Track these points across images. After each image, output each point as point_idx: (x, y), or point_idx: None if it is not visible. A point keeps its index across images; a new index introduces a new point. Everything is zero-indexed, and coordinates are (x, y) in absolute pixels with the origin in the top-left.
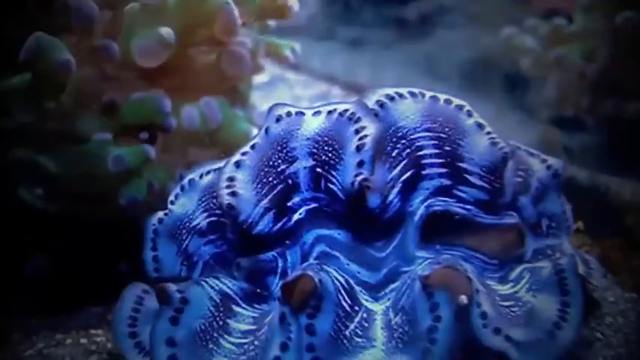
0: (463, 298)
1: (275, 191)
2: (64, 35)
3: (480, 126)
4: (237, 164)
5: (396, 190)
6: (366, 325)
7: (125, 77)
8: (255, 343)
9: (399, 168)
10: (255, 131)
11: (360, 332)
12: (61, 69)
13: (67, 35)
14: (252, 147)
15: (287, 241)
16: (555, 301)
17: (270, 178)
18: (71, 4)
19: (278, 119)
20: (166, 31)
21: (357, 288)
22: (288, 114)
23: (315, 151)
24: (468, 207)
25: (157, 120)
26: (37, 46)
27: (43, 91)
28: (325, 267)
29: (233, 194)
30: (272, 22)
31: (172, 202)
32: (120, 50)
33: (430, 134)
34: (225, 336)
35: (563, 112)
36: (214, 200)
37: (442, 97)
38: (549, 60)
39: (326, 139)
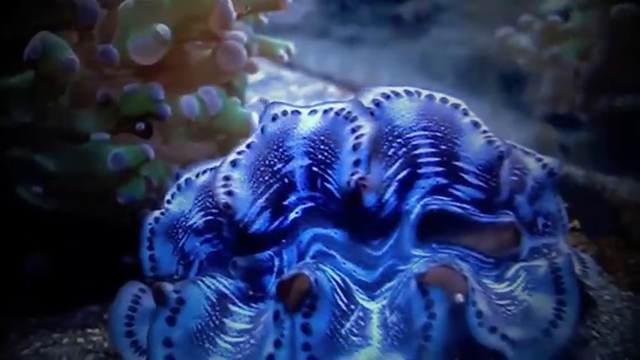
0: (459, 297)
1: (271, 190)
2: (65, 33)
3: (475, 125)
4: (234, 163)
5: (392, 188)
6: (362, 323)
7: (121, 75)
8: (251, 341)
9: (395, 167)
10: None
11: (356, 331)
12: (65, 68)
13: (68, 33)
14: (248, 146)
15: (283, 240)
16: (551, 300)
17: (267, 177)
18: (75, 1)
19: (274, 118)
20: (162, 28)
21: (354, 287)
22: (284, 113)
23: (311, 150)
24: (465, 206)
25: (151, 108)
26: (43, 46)
27: (44, 90)
28: (321, 266)
29: (229, 193)
30: (265, 20)
31: (169, 201)
32: (116, 49)
33: (426, 133)
34: (222, 335)
35: (558, 109)
36: (211, 199)
37: (438, 95)
38: (544, 58)
39: (322, 138)
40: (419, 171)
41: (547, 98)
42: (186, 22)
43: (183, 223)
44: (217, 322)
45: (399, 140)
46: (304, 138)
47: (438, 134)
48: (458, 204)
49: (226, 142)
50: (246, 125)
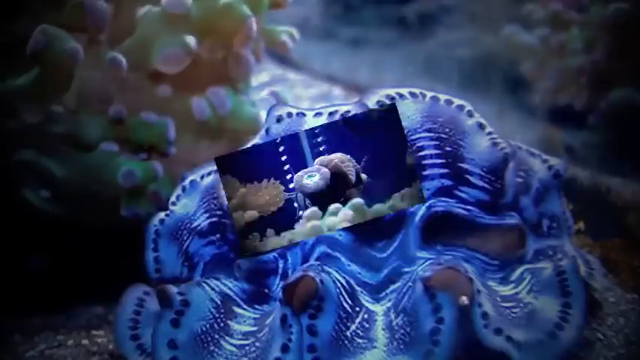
0: (464, 299)
1: None
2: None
3: (480, 126)
4: None
5: None
6: (367, 325)
7: (132, 78)
8: (257, 344)
9: None
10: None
11: (361, 333)
12: (69, 56)
13: (76, 36)
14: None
15: None
16: (556, 303)
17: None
18: (85, 3)
19: (279, 120)
20: (191, 39)
21: (358, 289)
22: (289, 115)
23: None
24: (469, 207)
25: (160, 146)
26: (44, 37)
27: (51, 82)
28: (326, 268)
29: None
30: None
31: (174, 203)
32: (134, 52)
33: (431, 135)
34: (227, 337)
35: (558, 100)
36: (215, 201)
37: (443, 97)
38: (551, 47)
39: None
40: (424, 173)
41: (549, 89)
42: (210, 36)
43: (188, 224)
44: (222, 324)
45: None
46: None
47: (443, 136)
48: (463, 206)
49: (236, 141)
50: (255, 124)
